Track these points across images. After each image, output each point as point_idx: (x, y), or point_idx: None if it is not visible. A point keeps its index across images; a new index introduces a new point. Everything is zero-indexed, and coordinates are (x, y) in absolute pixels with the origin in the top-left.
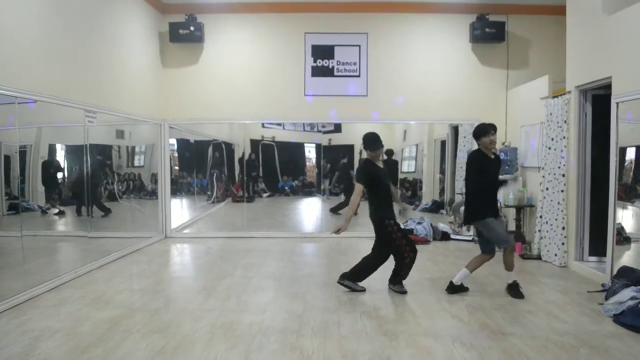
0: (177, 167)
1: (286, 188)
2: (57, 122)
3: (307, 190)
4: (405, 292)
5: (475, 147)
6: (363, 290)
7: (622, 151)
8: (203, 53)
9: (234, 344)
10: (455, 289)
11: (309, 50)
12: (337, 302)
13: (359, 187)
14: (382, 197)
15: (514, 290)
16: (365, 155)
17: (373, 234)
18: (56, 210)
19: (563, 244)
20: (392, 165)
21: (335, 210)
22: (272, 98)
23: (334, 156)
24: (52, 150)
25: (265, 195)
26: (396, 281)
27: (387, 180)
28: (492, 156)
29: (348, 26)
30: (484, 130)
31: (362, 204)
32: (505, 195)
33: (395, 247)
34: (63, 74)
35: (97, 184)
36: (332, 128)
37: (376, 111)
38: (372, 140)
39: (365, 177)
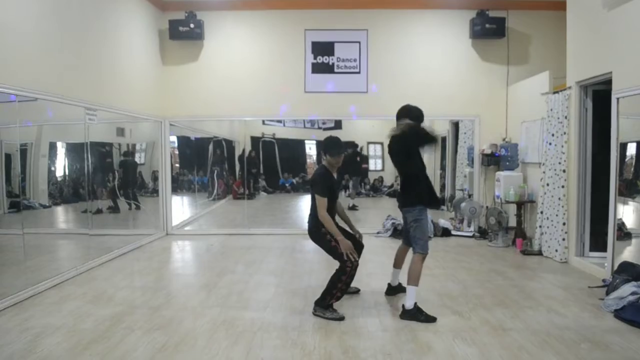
0: (177, 165)
1: (287, 185)
2: (57, 119)
3: (308, 187)
4: (342, 318)
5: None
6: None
7: (623, 147)
8: (203, 50)
9: (236, 341)
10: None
11: (309, 46)
12: None
13: (323, 202)
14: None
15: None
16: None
17: (373, 230)
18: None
19: (564, 239)
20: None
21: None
22: (273, 95)
23: None
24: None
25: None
26: (326, 303)
27: (338, 191)
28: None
29: (348, 22)
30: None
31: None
32: (506, 191)
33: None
34: (63, 72)
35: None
36: (332, 125)
37: (377, 107)
38: (335, 144)
39: (324, 188)
